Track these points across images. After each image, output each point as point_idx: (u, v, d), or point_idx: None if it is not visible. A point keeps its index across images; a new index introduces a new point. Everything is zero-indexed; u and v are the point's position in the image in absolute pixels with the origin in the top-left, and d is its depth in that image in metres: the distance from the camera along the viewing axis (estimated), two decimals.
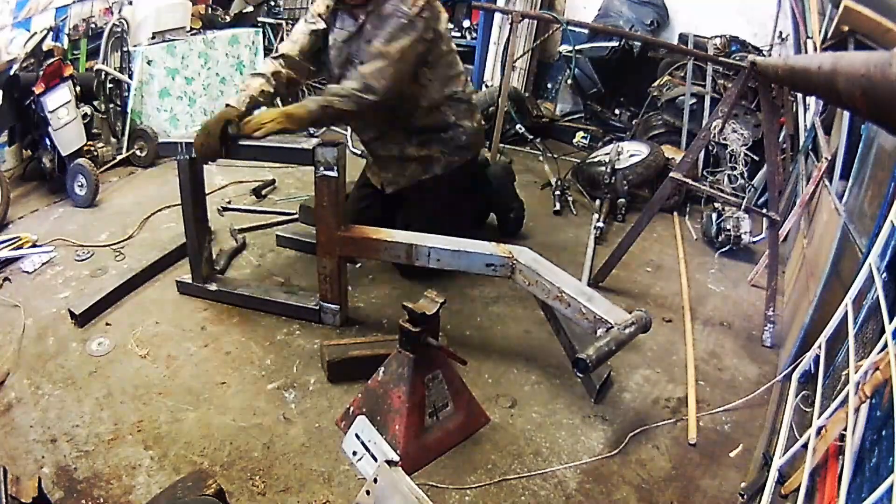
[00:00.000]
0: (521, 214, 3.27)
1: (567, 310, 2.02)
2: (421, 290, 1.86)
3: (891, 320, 1.30)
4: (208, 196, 3.53)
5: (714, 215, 3.25)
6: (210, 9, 4.75)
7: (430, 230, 2.32)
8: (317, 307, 2.42)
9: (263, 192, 3.67)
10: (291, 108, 2.27)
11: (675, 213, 3.67)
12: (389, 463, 1.48)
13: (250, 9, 4.98)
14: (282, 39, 5.03)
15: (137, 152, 3.99)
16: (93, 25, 3.95)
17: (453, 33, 5.70)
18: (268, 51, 5.04)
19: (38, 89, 3.19)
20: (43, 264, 2.78)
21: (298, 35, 2.53)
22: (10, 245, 2.87)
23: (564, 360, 2.30)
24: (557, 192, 3.70)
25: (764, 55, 4.09)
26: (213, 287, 2.54)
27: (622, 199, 3.53)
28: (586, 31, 4.61)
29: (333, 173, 2.18)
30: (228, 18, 4.77)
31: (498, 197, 3.17)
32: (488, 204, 3.20)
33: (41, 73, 3.20)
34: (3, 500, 1.31)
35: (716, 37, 4.29)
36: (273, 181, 3.79)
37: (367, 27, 2.38)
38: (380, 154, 2.70)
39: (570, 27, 4.18)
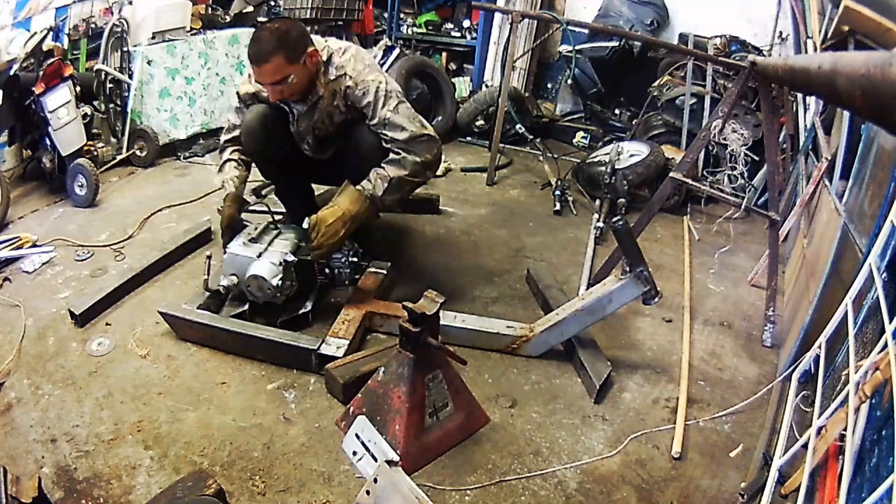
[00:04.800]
0: None
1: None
2: (417, 288, 1.85)
3: (891, 320, 1.30)
4: (208, 196, 3.60)
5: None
6: (210, 9, 4.74)
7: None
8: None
9: (263, 192, 3.65)
10: (353, 207, 2.25)
11: (676, 213, 3.67)
12: (389, 463, 1.48)
13: (250, 9, 4.97)
14: None
15: (137, 152, 3.99)
16: (93, 25, 3.95)
17: (453, 33, 5.72)
18: None
19: (38, 89, 3.19)
20: (43, 264, 2.78)
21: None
22: (10, 245, 2.86)
23: (565, 359, 2.30)
24: (557, 192, 3.70)
25: (764, 55, 4.09)
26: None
27: (622, 199, 3.53)
28: (586, 31, 4.61)
29: None
30: (228, 18, 4.76)
31: None
32: None
33: (41, 73, 3.20)
34: (4, 500, 1.31)
35: (716, 37, 4.30)
36: None
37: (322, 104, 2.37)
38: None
39: (570, 27, 4.18)
